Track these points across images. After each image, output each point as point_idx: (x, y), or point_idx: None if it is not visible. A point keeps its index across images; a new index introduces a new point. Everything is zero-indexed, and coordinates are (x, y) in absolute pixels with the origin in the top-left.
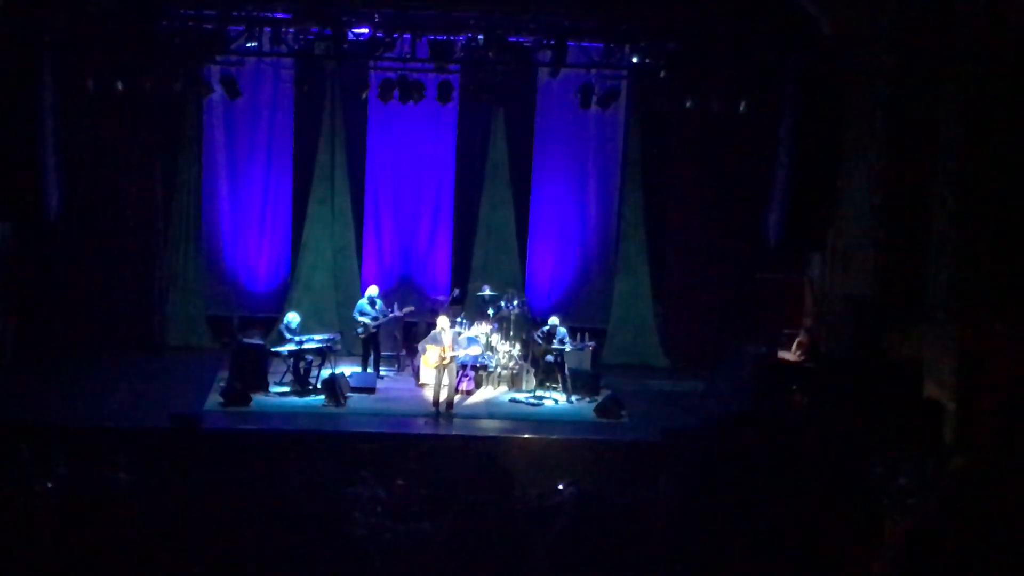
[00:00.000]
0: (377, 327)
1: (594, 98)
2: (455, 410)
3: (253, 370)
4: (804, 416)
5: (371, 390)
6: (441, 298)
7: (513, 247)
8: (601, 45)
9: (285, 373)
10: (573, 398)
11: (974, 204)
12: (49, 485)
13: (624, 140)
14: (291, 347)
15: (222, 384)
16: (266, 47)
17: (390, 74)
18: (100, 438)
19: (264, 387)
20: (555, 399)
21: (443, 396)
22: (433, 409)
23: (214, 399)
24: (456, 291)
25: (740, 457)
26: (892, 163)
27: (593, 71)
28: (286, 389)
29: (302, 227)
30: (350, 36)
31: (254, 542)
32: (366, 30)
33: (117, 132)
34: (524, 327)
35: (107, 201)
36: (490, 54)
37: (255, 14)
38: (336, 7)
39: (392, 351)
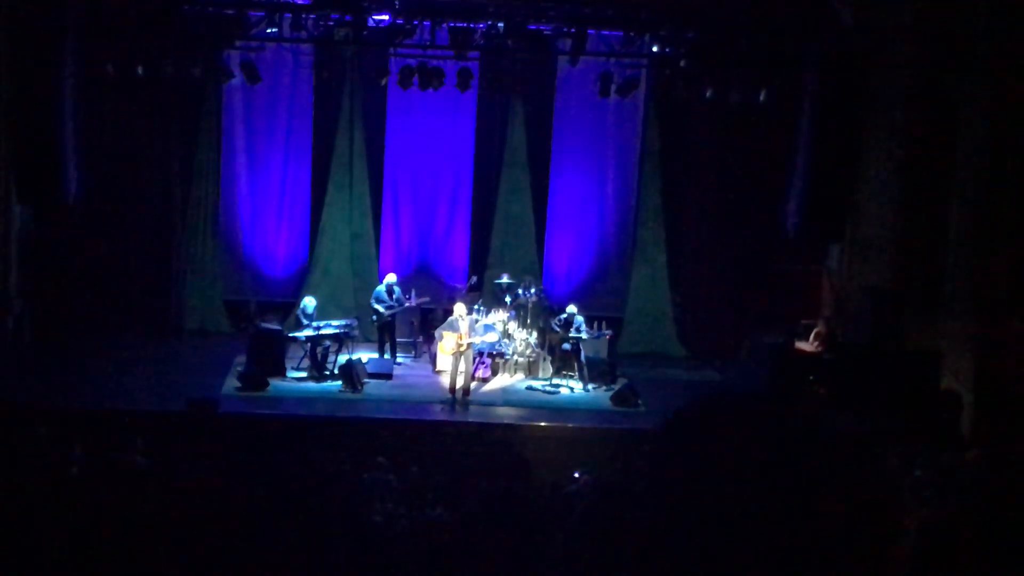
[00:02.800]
0: (393, 315)
1: (613, 87)
2: (471, 397)
3: (270, 355)
4: (821, 406)
5: (388, 376)
6: (458, 285)
7: (531, 235)
8: (621, 33)
9: (302, 358)
10: (589, 386)
11: (994, 196)
12: (75, 470)
13: (643, 129)
14: (308, 332)
15: (239, 369)
16: (286, 33)
17: (410, 61)
18: (117, 422)
19: (281, 372)
20: (571, 387)
21: (459, 383)
22: (449, 396)
23: (231, 384)
24: (473, 278)
25: (752, 446)
26: (912, 154)
27: (613, 60)
28: (303, 374)
29: (320, 213)
30: (370, 23)
31: (270, 526)
32: (386, 17)
33: (136, 117)
34: (541, 315)
35: (126, 186)
36: (510, 42)
37: (275, 0)
38: None
39: (409, 338)
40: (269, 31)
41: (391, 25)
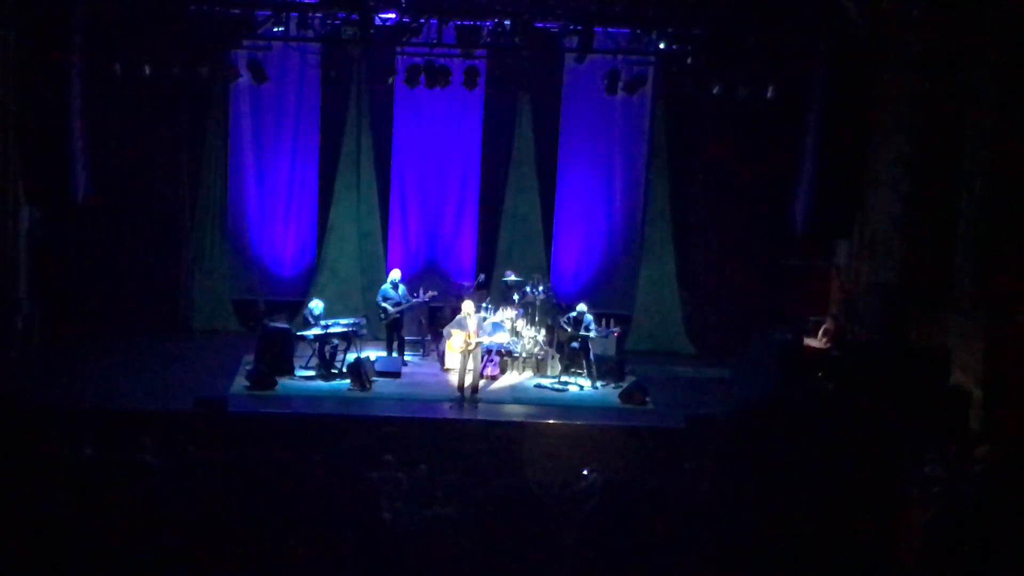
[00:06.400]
0: (400, 312)
1: (620, 84)
2: (480, 395)
3: (279, 354)
4: (829, 403)
5: (396, 375)
6: (466, 283)
7: (538, 233)
8: (628, 31)
9: (311, 357)
10: (598, 384)
11: (1002, 192)
12: (86, 470)
13: (650, 126)
14: (317, 331)
15: (248, 368)
16: (293, 32)
17: (416, 59)
18: (127, 420)
19: (290, 371)
20: (580, 385)
21: (468, 381)
22: (458, 394)
23: (240, 382)
24: (481, 276)
25: (764, 444)
26: (920, 150)
27: (620, 57)
28: (311, 373)
29: (328, 212)
30: (377, 21)
31: (279, 525)
32: (393, 15)
33: (144, 117)
34: (549, 313)
35: (134, 185)
36: (516, 39)
37: None
38: None
39: (417, 336)
40: (276, 30)
41: (398, 24)
